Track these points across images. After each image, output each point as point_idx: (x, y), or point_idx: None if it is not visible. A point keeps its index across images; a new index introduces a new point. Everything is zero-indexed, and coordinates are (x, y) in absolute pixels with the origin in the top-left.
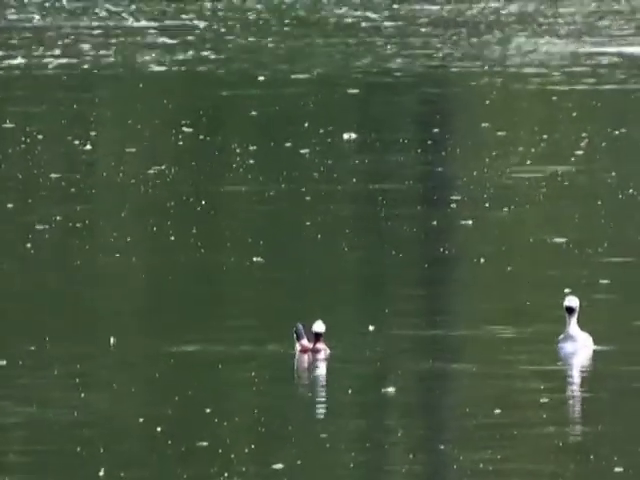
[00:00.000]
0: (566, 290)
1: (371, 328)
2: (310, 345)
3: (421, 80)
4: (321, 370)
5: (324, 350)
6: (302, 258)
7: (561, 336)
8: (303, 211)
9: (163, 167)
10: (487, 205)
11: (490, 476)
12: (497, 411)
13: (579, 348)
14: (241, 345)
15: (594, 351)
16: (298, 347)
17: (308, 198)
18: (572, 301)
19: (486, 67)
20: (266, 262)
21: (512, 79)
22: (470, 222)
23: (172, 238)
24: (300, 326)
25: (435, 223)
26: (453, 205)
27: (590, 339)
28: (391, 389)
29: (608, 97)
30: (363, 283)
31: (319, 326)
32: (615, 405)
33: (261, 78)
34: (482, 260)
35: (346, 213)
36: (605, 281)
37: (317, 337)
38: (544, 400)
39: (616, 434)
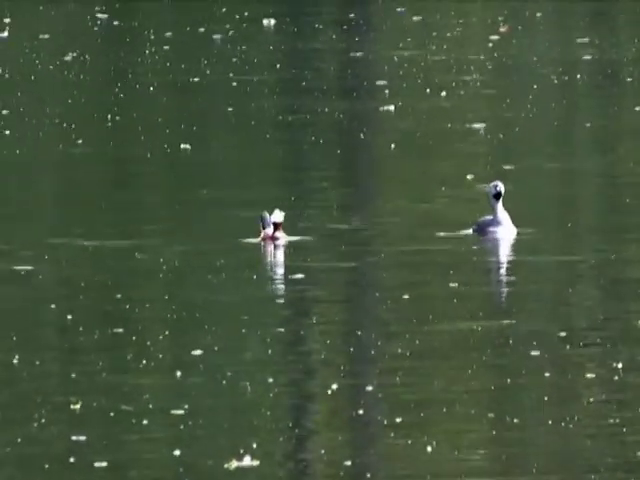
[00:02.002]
0: (468, 176)
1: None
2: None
3: None
4: (274, 258)
5: (283, 238)
6: (228, 145)
7: (484, 219)
8: (228, 98)
9: (77, 54)
10: (408, 91)
11: (407, 363)
12: (408, 299)
13: (506, 233)
14: (158, 233)
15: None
16: (262, 235)
17: (234, 84)
18: (500, 187)
19: None
20: (193, 149)
21: None
22: (392, 108)
23: (95, 127)
24: (266, 214)
25: (356, 109)
26: (374, 91)
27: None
28: (300, 275)
29: None
30: (282, 170)
31: (277, 216)
32: (532, 294)
33: None
34: (393, 146)
35: (270, 101)
36: (509, 167)
37: (276, 226)
38: (459, 290)
39: (532, 322)
